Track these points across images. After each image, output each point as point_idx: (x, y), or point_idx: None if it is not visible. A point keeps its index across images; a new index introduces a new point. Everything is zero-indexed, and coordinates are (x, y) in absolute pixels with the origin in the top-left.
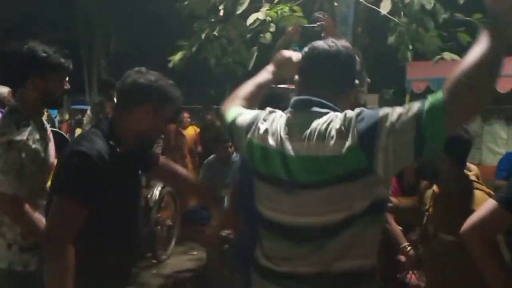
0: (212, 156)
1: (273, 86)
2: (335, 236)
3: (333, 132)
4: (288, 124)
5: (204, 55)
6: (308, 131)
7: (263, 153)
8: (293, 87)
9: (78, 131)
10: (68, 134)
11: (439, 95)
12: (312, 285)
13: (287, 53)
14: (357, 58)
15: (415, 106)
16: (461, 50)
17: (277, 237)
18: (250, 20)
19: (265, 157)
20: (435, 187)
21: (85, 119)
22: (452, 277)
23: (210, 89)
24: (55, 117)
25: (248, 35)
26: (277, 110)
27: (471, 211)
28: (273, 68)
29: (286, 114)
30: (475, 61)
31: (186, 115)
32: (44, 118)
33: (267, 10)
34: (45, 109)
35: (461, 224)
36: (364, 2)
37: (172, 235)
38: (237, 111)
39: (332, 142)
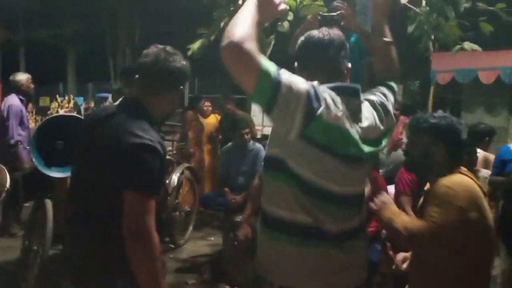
0: (229, 143)
1: None
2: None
3: (377, 116)
4: (350, 109)
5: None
6: (360, 117)
7: (337, 132)
8: None
9: None
10: None
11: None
12: (351, 236)
13: None
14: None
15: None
16: (483, 40)
17: (328, 203)
18: None
19: (339, 136)
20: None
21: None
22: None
23: (229, 78)
24: (80, 105)
25: (266, 24)
26: (326, 88)
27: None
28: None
29: (338, 97)
30: None
31: (207, 103)
32: (71, 105)
33: None
34: (72, 97)
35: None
36: None
37: (190, 221)
38: (277, 69)
39: (379, 124)
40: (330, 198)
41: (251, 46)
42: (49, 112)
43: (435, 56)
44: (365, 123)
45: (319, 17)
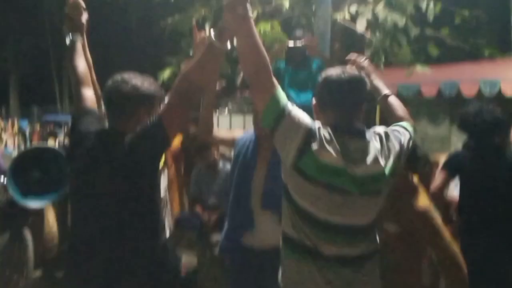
0: (198, 166)
1: None
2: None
3: (377, 154)
4: (348, 148)
5: None
6: (364, 155)
7: (333, 169)
8: None
9: (50, 141)
10: None
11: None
12: (352, 262)
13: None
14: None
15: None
16: (431, 62)
17: (323, 231)
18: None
19: (329, 172)
20: None
21: None
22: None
23: None
24: (25, 128)
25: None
26: (325, 128)
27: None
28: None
29: (339, 137)
30: None
31: None
32: (15, 129)
33: None
34: (16, 120)
35: (406, 217)
36: (341, 21)
37: None
38: (287, 100)
39: (381, 162)
40: (325, 226)
41: (270, 75)
42: None
43: (381, 73)
44: (368, 160)
45: (286, 48)
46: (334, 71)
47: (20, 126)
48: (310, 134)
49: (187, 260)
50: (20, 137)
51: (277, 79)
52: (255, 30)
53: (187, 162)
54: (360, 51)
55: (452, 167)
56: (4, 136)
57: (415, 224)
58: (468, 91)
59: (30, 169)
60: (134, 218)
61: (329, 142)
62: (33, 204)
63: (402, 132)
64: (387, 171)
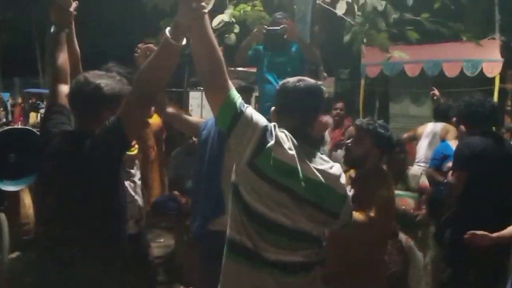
0: (177, 149)
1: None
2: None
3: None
4: (303, 151)
5: None
6: (318, 161)
7: (287, 168)
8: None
9: (32, 115)
10: (21, 118)
11: None
12: (292, 270)
13: None
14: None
15: None
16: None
17: (269, 232)
18: (215, 22)
19: (283, 169)
20: (351, 172)
21: None
22: (348, 255)
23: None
24: (7, 101)
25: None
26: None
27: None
28: None
29: (294, 139)
30: None
31: None
32: None
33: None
34: None
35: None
36: (321, 3)
37: None
38: (241, 100)
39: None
40: (271, 227)
41: (225, 76)
42: None
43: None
44: (320, 167)
45: (264, 31)
46: (291, 80)
47: (1, 98)
48: (266, 132)
49: (165, 243)
50: (2, 110)
51: (256, 62)
52: (210, 29)
53: (168, 142)
54: (340, 35)
55: (465, 163)
56: None
57: (379, 212)
58: (451, 71)
59: (5, 151)
60: (95, 221)
61: (285, 141)
62: (9, 187)
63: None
64: (337, 191)
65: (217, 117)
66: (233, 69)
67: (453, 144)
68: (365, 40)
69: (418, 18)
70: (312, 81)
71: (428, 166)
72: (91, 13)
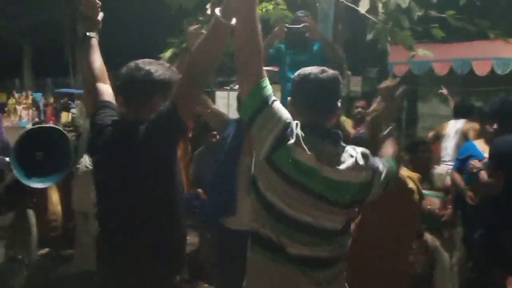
0: (201, 147)
1: None
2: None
3: (353, 164)
4: (323, 151)
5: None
6: (338, 161)
7: (305, 168)
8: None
9: (64, 115)
10: (53, 117)
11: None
12: (316, 264)
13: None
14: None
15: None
16: (437, 44)
17: (290, 228)
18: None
19: (302, 170)
20: None
21: (77, 112)
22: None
23: None
24: (39, 100)
25: None
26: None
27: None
28: None
29: (315, 138)
30: None
31: None
32: (29, 101)
33: None
34: (30, 93)
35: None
36: (344, 1)
37: None
38: (271, 92)
39: (355, 173)
40: (292, 224)
41: (260, 63)
42: (6, 108)
43: (392, 49)
44: (342, 166)
45: (285, 29)
46: (311, 70)
47: (34, 98)
48: (288, 129)
49: (190, 241)
50: (34, 110)
51: (277, 61)
52: (257, 14)
53: (194, 141)
54: (363, 33)
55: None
56: (18, 108)
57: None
58: (481, 69)
59: (34, 148)
60: (155, 207)
61: (305, 140)
62: (37, 184)
63: (381, 160)
64: (362, 183)
65: (243, 106)
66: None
67: (478, 143)
68: (389, 38)
69: (444, 15)
70: (333, 72)
71: (452, 168)
72: (116, 13)
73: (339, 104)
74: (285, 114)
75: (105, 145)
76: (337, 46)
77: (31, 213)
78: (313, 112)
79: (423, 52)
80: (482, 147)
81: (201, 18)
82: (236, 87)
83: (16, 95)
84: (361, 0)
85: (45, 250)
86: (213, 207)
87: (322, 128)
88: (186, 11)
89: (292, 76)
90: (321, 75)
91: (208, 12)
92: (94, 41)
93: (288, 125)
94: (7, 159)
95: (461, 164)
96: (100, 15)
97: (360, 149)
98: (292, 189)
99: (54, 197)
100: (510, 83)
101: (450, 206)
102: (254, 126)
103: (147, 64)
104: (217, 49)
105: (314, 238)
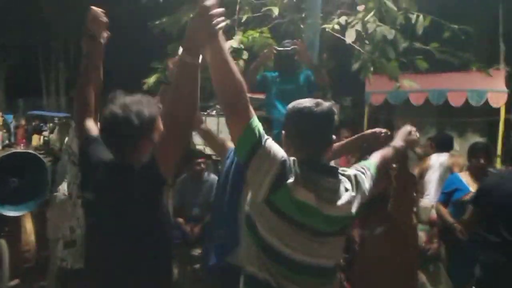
0: (184, 175)
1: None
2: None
3: (349, 196)
4: (325, 188)
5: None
6: (337, 196)
7: (306, 208)
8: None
9: (34, 137)
10: (24, 140)
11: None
12: None
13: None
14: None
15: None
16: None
17: (290, 270)
18: None
19: (303, 210)
20: None
21: (55, 135)
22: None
23: None
24: (10, 122)
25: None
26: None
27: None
28: None
29: (311, 174)
30: None
31: None
32: (0, 123)
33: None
34: (1, 114)
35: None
36: (330, 31)
37: None
38: (262, 131)
39: (351, 205)
40: (292, 266)
41: (245, 102)
42: None
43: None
44: (340, 201)
45: (275, 51)
46: (305, 103)
47: (5, 120)
48: (284, 168)
49: None
50: (5, 132)
51: (263, 88)
52: (226, 50)
53: (176, 168)
54: (348, 62)
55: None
56: None
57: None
58: (456, 100)
59: (8, 175)
60: (143, 252)
61: (304, 178)
62: (11, 212)
63: (366, 173)
64: (355, 211)
65: (236, 147)
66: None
67: (462, 176)
68: (372, 69)
69: (428, 47)
70: (328, 104)
71: (437, 201)
72: None
73: (332, 137)
74: (279, 152)
75: (95, 186)
76: (323, 71)
77: (3, 242)
78: (309, 147)
79: (408, 83)
80: (467, 180)
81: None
82: (213, 112)
83: None
84: (348, 30)
85: (15, 282)
86: (220, 247)
87: (319, 163)
88: (170, 35)
89: (278, 104)
90: (315, 109)
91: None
92: (92, 66)
93: (284, 163)
94: None
95: (446, 197)
96: (105, 35)
97: (352, 173)
98: (291, 228)
99: (28, 225)
100: (484, 115)
101: (436, 240)
102: (250, 168)
103: (131, 105)
104: (190, 91)
105: (314, 278)
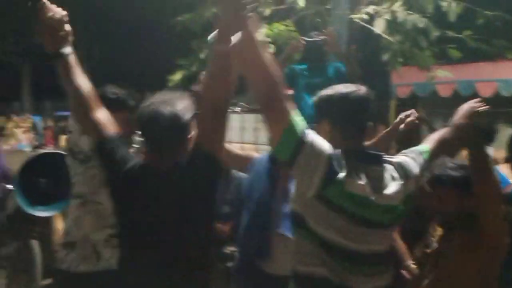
0: None
1: None
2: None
3: (398, 187)
4: (372, 177)
5: (199, 68)
6: (385, 184)
7: (359, 201)
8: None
9: (63, 138)
10: (52, 141)
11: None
12: None
13: None
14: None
15: None
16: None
17: (351, 262)
18: None
19: (356, 201)
20: None
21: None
22: None
23: None
24: (38, 124)
25: None
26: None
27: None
28: None
29: (360, 164)
30: None
31: None
32: (28, 124)
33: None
34: (29, 116)
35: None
36: (358, 21)
37: None
38: (303, 126)
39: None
40: (352, 257)
41: (282, 99)
42: (4, 132)
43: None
44: (389, 190)
45: (303, 43)
46: (347, 88)
47: (33, 121)
48: (333, 162)
49: None
50: (34, 133)
51: (291, 82)
52: (257, 40)
53: None
54: (377, 54)
55: None
56: (17, 132)
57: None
58: (485, 91)
59: (38, 175)
60: (193, 251)
61: (353, 170)
62: (41, 213)
63: (417, 159)
64: (405, 199)
65: (277, 148)
66: None
67: (501, 168)
68: (402, 60)
69: (460, 35)
70: (365, 89)
71: None
72: (123, 36)
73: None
74: (324, 145)
75: (136, 192)
76: (354, 62)
77: (35, 243)
78: (357, 132)
79: (442, 73)
80: (507, 173)
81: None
82: (237, 109)
83: (15, 118)
84: (376, 20)
85: (48, 282)
86: (247, 251)
87: (364, 152)
88: (194, 32)
89: (306, 97)
90: (361, 93)
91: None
92: (72, 58)
93: (331, 157)
94: (10, 186)
95: None
96: (67, 27)
97: (398, 160)
98: (346, 220)
99: (59, 226)
100: None
101: None
102: (296, 166)
103: (170, 105)
104: (224, 77)
105: (373, 267)
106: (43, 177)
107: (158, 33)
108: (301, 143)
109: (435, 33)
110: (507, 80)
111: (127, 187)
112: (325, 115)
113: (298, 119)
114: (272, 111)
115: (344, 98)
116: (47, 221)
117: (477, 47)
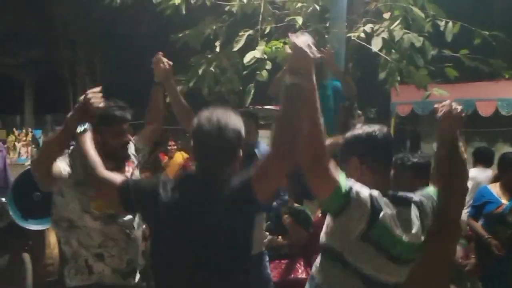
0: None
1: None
2: None
3: (419, 224)
4: (402, 218)
5: (196, 84)
6: (411, 224)
7: (392, 238)
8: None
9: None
10: None
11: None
12: None
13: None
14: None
15: None
16: (449, 84)
17: None
18: (247, 58)
19: (392, 242)
20: None
21: None
22: None
23: None
24: (39, 138)
25: (245, 72)
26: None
27: None
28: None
29: (393, 205)
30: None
31: (171, 143)
32: (29, 138)
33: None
34: (30, 130)
35: None
36: (356, 39)
37: None
38: (347, 181)
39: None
40: (382, 286)
41: (330, 163)
42: (6, 145)
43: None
44: (414, 229)
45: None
46: (372, 128)
47: (33, 135)
48: (375, 204)
49: None
50: (34, 147)
51: None
52: (318, 105)
53: None
54: (374, 72)
55: None
56: (18, 146)
57: None
58: (485, 110)
59: (31, 189)
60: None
61: (389, 210)
62: (34, 226)
63: (431, 201)
64: (423, 239)
65: (324, 203)
66: (260, 107)
67: (492, 188)
68: (399, 78)
69: (457, 55)
70: (387, 128)
71: (467, 215)
72: (122, 52)
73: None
74: (365, 191)
75: (177, 204)
76: (350, 80)
77: (27, 257)
78: (385, 166)
79: (438, 92)
80: (497, 192)
81: (209, 56)
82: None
83: (16, 132)
84: (374, 38)
85: None
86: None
87: (392, 193)
88: (193, 48)
89: None
90: (385, 130)
91: (218, 49)
92: (88, 135)
93: (372, 200)
94: (3, 199)
95: (477, 211)
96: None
97: (418, 199)
98: (385, 259)
99: (52, 239)
100: None
101: (473, 256)
102: (343, 217)
103: (226, 118)
104: (301, 117)
105: None
106: (36, 190)
107: (157, 48)
108: (348, 200)
109: (432, 52)
110: (507, 99)
111: (161, 201)
112: (354, 152)
113: (344, 180)
114: (319, 174)
115: (370, 136)
116: (40, 234)
117: (473, 66)
